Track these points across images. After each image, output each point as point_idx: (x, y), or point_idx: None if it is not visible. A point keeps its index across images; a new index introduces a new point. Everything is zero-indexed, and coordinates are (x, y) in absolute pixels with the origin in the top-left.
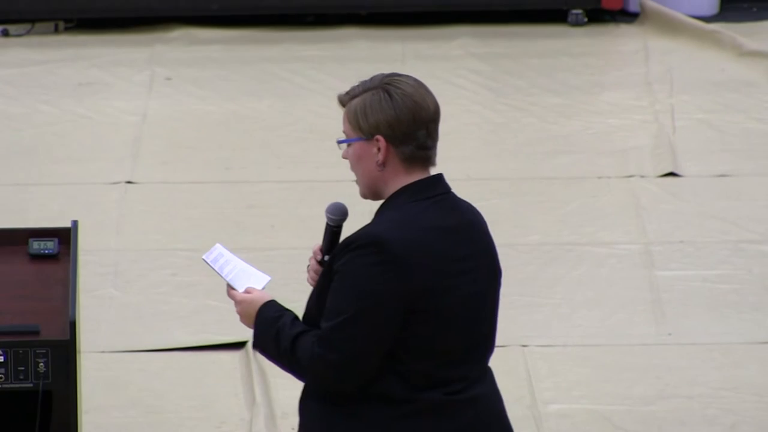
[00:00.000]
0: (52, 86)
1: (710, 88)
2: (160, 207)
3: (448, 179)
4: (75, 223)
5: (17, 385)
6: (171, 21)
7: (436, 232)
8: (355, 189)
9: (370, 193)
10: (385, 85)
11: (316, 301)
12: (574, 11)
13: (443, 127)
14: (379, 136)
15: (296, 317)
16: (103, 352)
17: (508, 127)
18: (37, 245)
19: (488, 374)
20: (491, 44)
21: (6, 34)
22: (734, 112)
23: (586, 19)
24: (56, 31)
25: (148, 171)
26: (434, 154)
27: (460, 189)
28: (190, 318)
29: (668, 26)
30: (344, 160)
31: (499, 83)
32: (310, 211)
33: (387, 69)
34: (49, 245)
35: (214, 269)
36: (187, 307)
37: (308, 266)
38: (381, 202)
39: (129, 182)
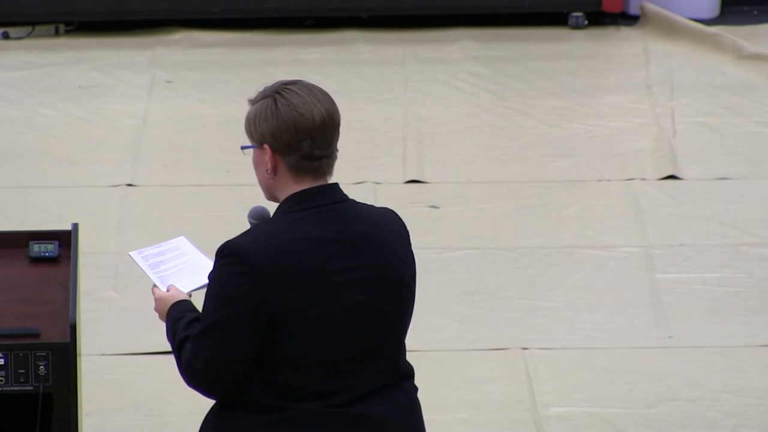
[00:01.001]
0: (52, 89)
1: (711, 91)
2: (160, 210)
3: (449, 182)
4: (75, 225)
5: (17, 388)
6: (172, 24)
7: (307, 243)
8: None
9: (269, 197)
10: (275, 94)
11: None
12: (575, 14)
13: (442, 130)
14: (266, 145)
15: (196, 319)
16: (103, 354)
17: (508, 130)
18: (37, 248)
19: (397, 392)
20: (492, 47)
21: (6, 36)
22: (735, 115)
23: (586, 22)
24: (57, 34)
25: (149, 174)
26: (325, 164)
27: (460, 192)
28: None
29: (669, 29)
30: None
31: (500, 86)
32: None
33: (388, 72)
34: (50, 248)
35: (138, 266)
36: None
37: None
38: None
39: (129, 185)
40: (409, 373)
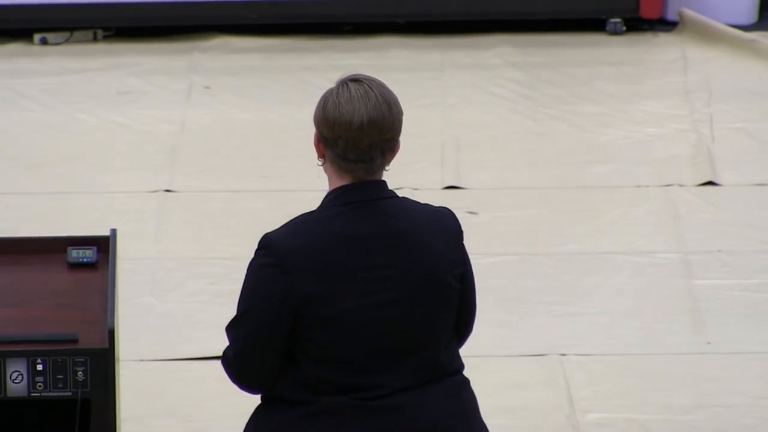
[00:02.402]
0: (90, 95)
1: (749, 97)
2: (198, 215)
3: (487, 188)
4: (113, 231)
5: (56, 394)
6: (209, 30)
7: (338, 239)
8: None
9: None
10: (338, 86)
11: None
12: (613, 20)
13: (480, 136)
14: (316, 131)
15: None
16: (141, 360)
17: (546, 136)
18: (75, 254)
19: (439, 386)
20: (529, 53)
21: (45, 42)
22: None
23: (624, 28)
24: (94, 39)
25: (187, 179)
26: (362, 169)
27: (498, 198)
28: None
29: (706, 35)
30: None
31: (537, 92)
32: None
33: (426, 77)
34: (88, 254)
35: None
36: (225, 316)
37: None
38: None
39: (167, 191)
40: (456, 369)
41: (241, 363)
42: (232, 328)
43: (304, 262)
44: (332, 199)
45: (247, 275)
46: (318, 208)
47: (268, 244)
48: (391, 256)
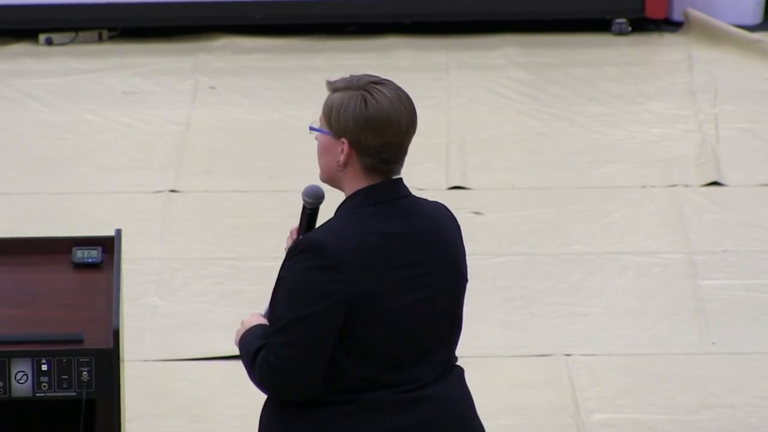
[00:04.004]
0: (95, 95)
1: (754, 98)
2: (203, 216)
3: (492, 189)
4: (119, 231)
5: (60, 394)
6: (215, 30)
7: (378, 237)
8: None
9: (328, 181)
10: (365, 91)
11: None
12: (618, 20)
13: (485, 136)
14: (344, 139)
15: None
16: (146, 360)
17: (551, 136)
18: (80, 254)
19: (452, 377)
20: (535, 53)
21: (50, 42)
22: None
23: (630, 28)
24: (100, 39)
25: (192, 180)
26: (396, 169)
27: (503, 198)
28: (234, 327)
29: (712, 35)
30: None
31: (543, 92)
32: None
33: (431, 78)
34: (93, 254)
35: None
36: (231, 316)
37: (285, 248)
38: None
39: (173, 191)
40: (456, 359)
41: (289, 372)
42: (279, 335)
43: (353, 262)
44: (362, 199)
45: (290, 281)
46: (345, 209)
47: (315, 247)
48: (424, 253)
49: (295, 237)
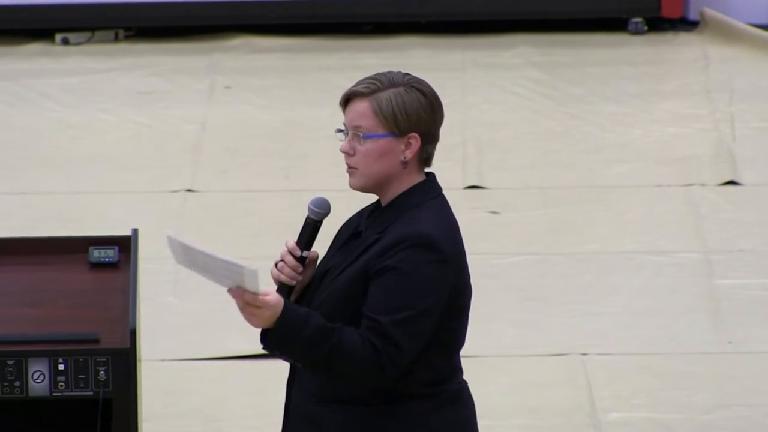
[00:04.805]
0: (111, 95)
1: None
2: (219, 215)
3: (508, 188)
4: (135, 231)
5: (77, 393)
6: (230, 29)
7: (455, 229)
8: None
9: (373, 187)
10: (412, 85)
11: (342, 298)
12: (634, 19)
13: (501, 135)
14: (415, 134)
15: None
16: (162, 360)
17: (567, 135)
18: (97, 253)
19: None
20: (550, 53)
21: (66, 42)
22: None
23: (645, 28)
24: (116, 39)
25: (208, 179)
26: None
27: (519, 198)
28: (249, 326)
29: (728, 35)
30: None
31: (558, 92)
32: None
33: (447, 77)
34: (110, 253)
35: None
36: None
37: (277, 262)
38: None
39: (189, 190)
40: None
41: (407, 360)
42: (403, 326)
43: (455, 253)
44: (426, 191)
45: (409, 273)
46: (419, 204)
47: (431, 241)
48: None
49: (297, 252)
